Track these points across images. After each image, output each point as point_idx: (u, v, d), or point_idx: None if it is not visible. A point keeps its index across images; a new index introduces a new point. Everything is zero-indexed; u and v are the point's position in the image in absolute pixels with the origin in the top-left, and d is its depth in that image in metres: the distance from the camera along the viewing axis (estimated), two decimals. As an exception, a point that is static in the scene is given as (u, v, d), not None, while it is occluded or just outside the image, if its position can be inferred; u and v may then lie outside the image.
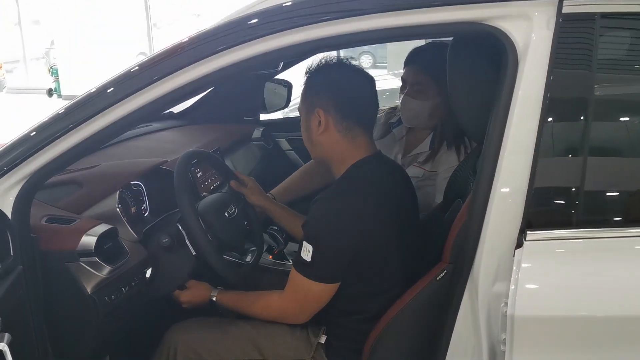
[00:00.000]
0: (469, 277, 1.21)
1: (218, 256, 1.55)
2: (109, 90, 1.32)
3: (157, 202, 1.83)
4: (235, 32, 1.27)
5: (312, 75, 1.51)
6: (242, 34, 1.25)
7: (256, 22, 1.26)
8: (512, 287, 1.11)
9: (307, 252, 1.38)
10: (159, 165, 1.82)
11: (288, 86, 2.76)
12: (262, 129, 2.67)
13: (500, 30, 1.19)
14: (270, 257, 2.07)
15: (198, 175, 1.88)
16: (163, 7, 12.12)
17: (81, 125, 1.31)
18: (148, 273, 1.58)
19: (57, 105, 1.37)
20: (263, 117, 2.87)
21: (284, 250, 2.09)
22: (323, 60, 1.51)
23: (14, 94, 11.16)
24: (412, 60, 1.95)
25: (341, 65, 1.51)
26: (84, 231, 1.41)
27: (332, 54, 1.60)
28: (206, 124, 2.65)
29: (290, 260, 2.08)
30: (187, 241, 1.56)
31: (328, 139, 1.47)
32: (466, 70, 1.38)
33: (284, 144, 2.78)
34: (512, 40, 1.18)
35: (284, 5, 1.25)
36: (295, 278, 1.42)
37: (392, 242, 1.44)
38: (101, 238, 1.41)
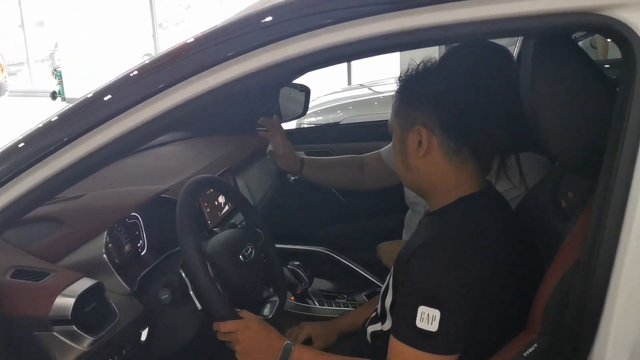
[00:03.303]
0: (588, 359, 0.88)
1: (229, 311, 1.22)
2: (89, 111, 1.02)
3: (157, 236, 1.52)
4: (243, 36, 0.95)
5: (409, 83, 1.17)
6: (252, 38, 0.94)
7: (270, 20, 0.94)
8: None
9: (429, 319, 1.01)
10: (158, 195, 1.49)
11: (305, 91, 2.44)
12: (278, 141, 2.34)
13: (619, 21, 0.88)
14: (292, 298, 1.74)
15: (206, 205, 1.56)
16: (169, 7, 11.83)
17: (60, 151, 1.00)
18: (144, 335, 1.26)
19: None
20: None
21: (309, 289, 1.77)
22: (421, 65, 1.17)
23: (17, 97, 10.92)
24: None
25: (449, 71, 1.18)
26: (59, 290, 1.09)
27: (434, 55, 1.26)
28: (215, 135, 2.33)
29: (316, 302, 1.75)
30: (191, 292, 1.24)
31: (430, 163, 1.13)
32: (557, 77, 1.05)
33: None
34: (638, 33, 0.86)
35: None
36: (409, 354, 1.03)
37: (502, 306, 1.09)
38: (81, 298, 1.09)
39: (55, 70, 10.77)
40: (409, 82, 1.16)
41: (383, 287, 1.25)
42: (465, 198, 1.14)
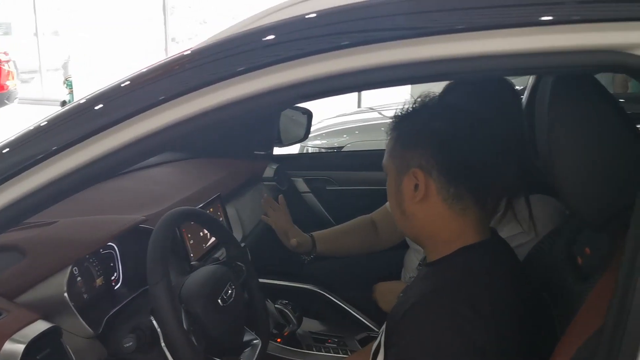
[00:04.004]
0: None
1: None
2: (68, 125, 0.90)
3: (134, 269, 1.40)
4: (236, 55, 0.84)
5: (405, 120, 1.05)
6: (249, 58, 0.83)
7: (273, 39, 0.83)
8: None
9: None
10: (136, 225, 1.38)
11: (308, 114, 2.35)
12: (275, 167, 2.24)
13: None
14: (279, 340, 1.62)
15: (189, 237, 1.45)
16: (184, 21, 11.88)
17: (32, 169, 0.89)
18: (106, 384, 1.14)
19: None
20: (277, 151, 2.44)
21: (297, 331, 1.64)
22: (418, 100, 1.05)
23: (27, 105, 10.94)
24: None
25: (449, 107, 1.06)
26: (9, 335, 0.97)
27: (434, 90, 1.14)
28: (209, 157, 2.23)
29: (304, 346, 1.62)
30: (162, 343, 1.12)
31: (427, 210, 1.01)
32: (578, 121, 0.93)
33: (301, 185, 2.34)
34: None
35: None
36: None
37: None
38: (34, 344, 0.98)
39: (66, 79, 10.81)
40: (405, 120, 1.05)
41: (375, 344, 1.12)
42: (466, 249, 1.01)
